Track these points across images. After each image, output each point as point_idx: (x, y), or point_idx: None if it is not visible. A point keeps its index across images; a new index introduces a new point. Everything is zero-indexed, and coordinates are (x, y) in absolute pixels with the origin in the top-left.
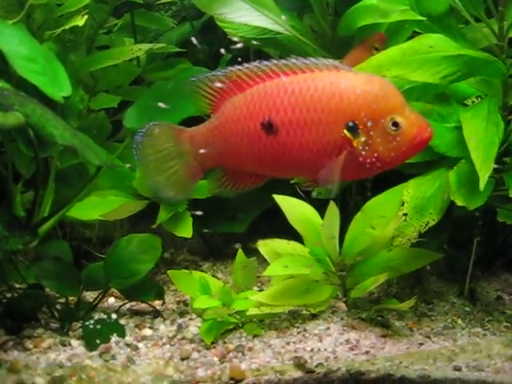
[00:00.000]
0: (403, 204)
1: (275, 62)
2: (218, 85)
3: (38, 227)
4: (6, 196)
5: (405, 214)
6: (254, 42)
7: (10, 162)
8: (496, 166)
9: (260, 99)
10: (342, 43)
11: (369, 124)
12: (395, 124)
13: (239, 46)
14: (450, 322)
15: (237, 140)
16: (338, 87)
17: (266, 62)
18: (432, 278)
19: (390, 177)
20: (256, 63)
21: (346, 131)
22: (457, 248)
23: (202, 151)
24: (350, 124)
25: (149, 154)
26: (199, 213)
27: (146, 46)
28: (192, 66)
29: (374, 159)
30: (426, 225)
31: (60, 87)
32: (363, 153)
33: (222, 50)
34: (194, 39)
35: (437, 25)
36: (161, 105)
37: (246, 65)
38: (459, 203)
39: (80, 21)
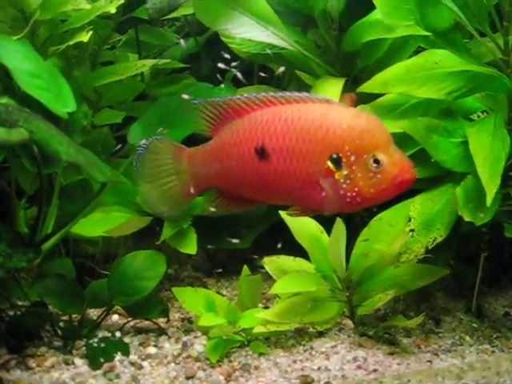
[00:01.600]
0: (410, 220)
1: (272, 93)
2: (217, 111)
3: (42, 244)
4: (9, 212)
5: (412, 230)
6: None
7: (13, 178)
8: None
9: (256, 125)
10: (346, 59)
11: (352, 158)
12: (376, 161)
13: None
14: (457, 338)
15: (232, 163)
16: (326, 119)
17: (263, 93)
18: (439, 294)
19: None
20: (254, 93)
21: (329, 163)
22: (464, 264)
23: (198, 171)
24: (334, 156)
25: (148, 167)
26: (236, 241)
27: (150, 62)
28: (196, 81)
29: (354, 194)
30: (434, 241)
31: (64, 103)
32: (344, 186)
33: (221, 65)
34: (182, 41)
35: (442, 40)
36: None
37: (245, 94)
38: (467, 218)
39: (85, 37)
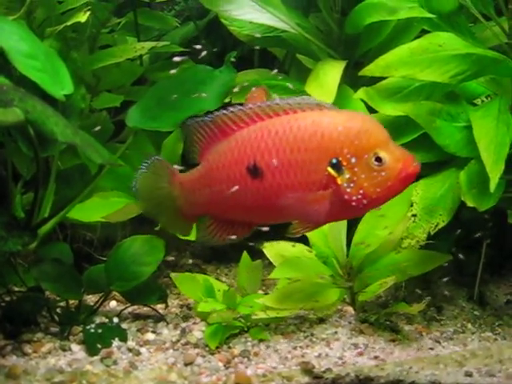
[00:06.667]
0: (412, 205)
1: (259, 104)
2: (203, 132)
3: (38, 228)
4: (5, 197)
5: (414, 215)
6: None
7: (9, 162)
8: None
9: (244, 144)
10: (348, 42)
11: (352, 160)
12: (379, 159)
13: None
14: (459, 326)
15: (222, 187)
16: (320, 125)
17: (250, 105)
18: (440, 282)
19: None
20: (239, 107)
21: (329, 169)
22: (465, 251)
23: (190, 198)
24: (334, 161)
25: (147, 187)
26: (266, 229)
27: (149, 45)
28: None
29: (359, 196)
30: (436, 226)
31: (61, 85)
32: (348, 190)
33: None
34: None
35: (446, 23)
36: None
37: (230, 109)
38: (470, 204)
39: (82, 17)
